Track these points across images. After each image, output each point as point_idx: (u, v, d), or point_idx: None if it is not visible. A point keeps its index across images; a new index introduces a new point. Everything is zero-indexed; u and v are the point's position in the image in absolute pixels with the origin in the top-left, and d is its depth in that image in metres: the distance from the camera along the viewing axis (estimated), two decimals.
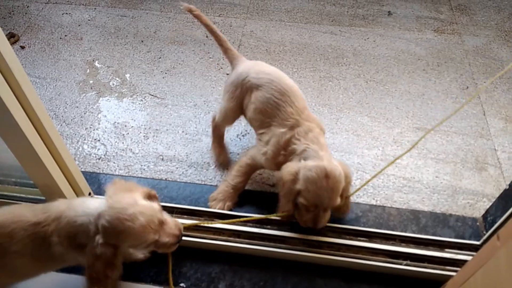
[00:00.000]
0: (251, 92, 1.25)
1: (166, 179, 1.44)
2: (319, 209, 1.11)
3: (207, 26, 1.39)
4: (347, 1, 2.20)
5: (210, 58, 1.90)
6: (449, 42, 1.97)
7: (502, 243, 0.66)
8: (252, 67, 1.29)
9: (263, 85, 1.22)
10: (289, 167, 1.12)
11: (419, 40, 1.98)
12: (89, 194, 1.25)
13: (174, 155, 1.51)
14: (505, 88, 1.75)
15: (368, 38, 1.99)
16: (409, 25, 2.06)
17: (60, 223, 0.90)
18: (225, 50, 1.39)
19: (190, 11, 1.39)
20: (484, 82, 1.77)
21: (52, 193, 1.12)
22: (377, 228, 1.27)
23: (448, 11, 2.14)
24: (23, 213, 0.93)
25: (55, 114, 1.66)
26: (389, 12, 2.14)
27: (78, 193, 1.19)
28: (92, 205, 0.91)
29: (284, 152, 1.17)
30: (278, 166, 1.18)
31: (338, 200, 1.10)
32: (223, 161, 1.48)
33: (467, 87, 1.75)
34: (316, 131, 1.16)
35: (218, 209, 1.28)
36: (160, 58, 1.90)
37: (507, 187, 1.17)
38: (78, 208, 0.92)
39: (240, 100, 1.30)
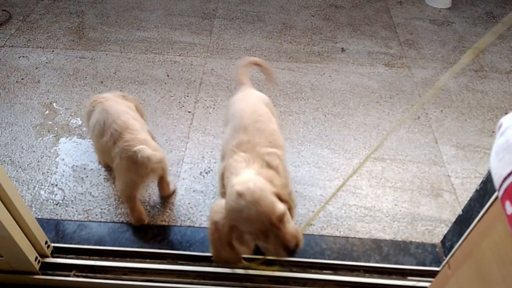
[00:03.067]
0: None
1: (127, 222, 1.40)
2: (270, 230, 0.93)
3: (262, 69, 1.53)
4: (303, 39, 2.30)
5: (172, 96, 1.91)
6: (400, 75, 2.08)
7: (453, 272, 0.68)
8: (234, 102, 1.32)
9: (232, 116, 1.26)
10: (214, 208, 1.02)
11: (372, 74, 2.08)
12: (46, 243, 1.20)
13: None
14: (454, 117, 1.86)
15: (324, 74, 2.07)
16: (361, 60, 2.17)
17: None
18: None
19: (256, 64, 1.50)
20: (441, 111, 1.87)
21: (4, 243, 1.07)
22: (341, 259, 1.28)
23: (397, 46, 2.28)
24: None
25: (10, 159, 1.60)
26: (342, 48, 2.25)
27: (33, 242, 1.14)
28: None
29: (223, 190, 1.09)
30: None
31: (279, 207, 0.94)
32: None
33: (419, 117, 1.85)
34: (240, 161, 1.07)
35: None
36: None
37: (461, 212, 1.22)
38: None
39: None
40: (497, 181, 0.50)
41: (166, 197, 1.48)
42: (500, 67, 2.15)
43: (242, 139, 1.13)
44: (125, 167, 1.23)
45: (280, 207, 0.95)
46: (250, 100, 1.30)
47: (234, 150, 1.12)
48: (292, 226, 0.97)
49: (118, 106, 1.34)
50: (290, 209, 1.01)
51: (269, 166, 1.08)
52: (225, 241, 0.99)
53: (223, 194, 1.10)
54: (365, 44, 2.28)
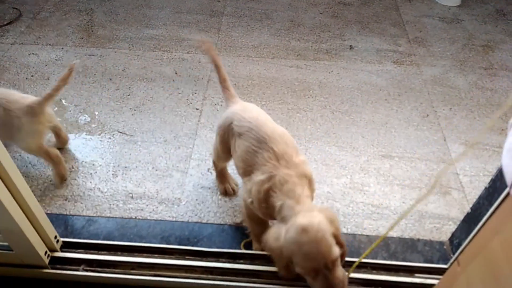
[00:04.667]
0: (235, 139, 1.23)
1: (135, 218, 1.41)
2: (322, 270, 0.98)
3: (213, 61, 1.41)
4: (311, 37, 2.29)
5: (180, 93, 1.92)
6: (408, 72, 2.07)
7: (462, 269, 0.68)
8: (238, 112, 1.26)
9: (244, 133, 1.20)
10: (272, 232, 1.06)
11: (380, 71, 2.07)
12: (55, 237, 1.21)
13: (144, 192, 1.50)
14: (463, 115, 1.85)
15: (332, 71, 2.07)
16: (370, 58, 2.16)
17: None
18: (223, 89, 1.40)
19: (203, 43, 1.43)
20: (450, 109, 1.86)
21: (15, 238, 1.08)
22: (349, 256, 1.28)
23: (406, 43, 2.26)
24: None
25: (20, 155, 1.62)
26: (350, 46, 2.24)
27: (43, 237, 1.16)
28: None
29: (265, 205, 1.10)
30: (266, 216, 1.15)
31: (335, 250, 0.99)
32: (224, 190, 1.49)
33: (427, 115, 1.84)
34: (292, 181, 1.07)
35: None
36: (129, 95, 1.90)
37: (470, 210, 1.21)
38: None
39: (227, 143, 1.28)
40: (509, 178, 0.50)
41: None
42: (510, 64, 2.12)
43: (276, 151, 1.12)
44: None
45: (336, 251, 0.99)
46: (254, 110, 1.27)
47: (273, 164, 1.11)
48: (341, 270, 1.02)
49: None
50: (343, 254, 1.05)
51: (308, 177, 1.11)
52: (284, 265, 1.05)
53: (264, 211, 1.11)
54: (373, 42, 2.26)
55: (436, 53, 2.20)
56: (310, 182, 1.12)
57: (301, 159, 1.14)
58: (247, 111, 1.25)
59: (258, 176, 1.11)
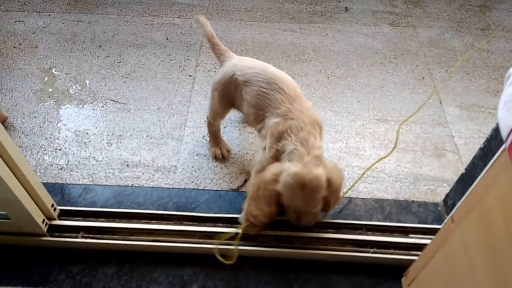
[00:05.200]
0: (241, 89, 1.24)
1: (132, 185, 1.41)
2: (301, 214, 1.13)
3: (198, 22, 1.40)
4: None
5: (172, 60, 1.88)
6: (404, 34, 2.03)
7: (456, 226, 0.69)
8: (238, 64, 1.27)
9: (250, 79, 1.21)
10: (273, 168, 1.10)
11: (376, 34, 2.04)
12: (52, 206, 1.22)
13: (140, 160, 1.49)
14: (459, 77, 1.83)
15: (327, 34, 2.03)
16: (365, 20, 2.11)
17: None
18: (212, 47, 1.37)
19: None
20: (446, 71, 1.84)
21: (12, 206, 1.08)
22: (344, 219, 1.30)
23: (402, 4, 2.21)
24: None
25: (12, 125, 1.60)
26: (346, 8, 2.18)
27: (40, 205, 1.16)
28: None
29: (276, 146, 1.13)
30: (273, 160, 1.15)
31: (317, 208, 1.10)
32: (218, 155, 1.49)
33: (423, 78, 1.82)
34: (307, 130, 1.11)
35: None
36: (119, 62, 1.86)
37: (464, 171, 1.23)
38: None
39: (230, 97, 1.29)
40: (504, 131, 0.50)
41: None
42: (507, 25, 2.09)
43: (287, 93, 1.15)
44: None
45: (318, 208, 1.11)
46: (253, 59, 1.29)
47: (287, 107, 1.13)
48: (313, 218, 1.15)
49: None
50: (327, 205, 1.14)
51: (319, 125, 1.16)
52: (269, 199, 1.11)
53: (274, 152, 1.14)
54: (369, 3, 2.21)
55: (433, 14, 2.16)
56: (320, 130, 1.16)
57: (310, 104, 1.18)
58: (247, 61, 1.28)
59: (273, 119, 1.14)
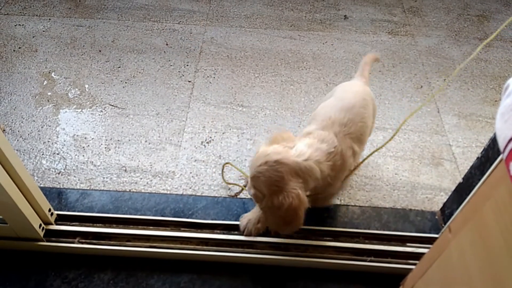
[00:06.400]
0: None
1: (130, 191, 1.41)
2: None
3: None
4: (304, 6, 2.25)
5: (171, 65, 1.88)
6: (403, 43, 2.04)
7: (453, 235, 0.69)
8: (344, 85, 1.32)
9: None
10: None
11: (375, 42, 2.05)
12: (49, 210, 1.21)
13: (138, 166, 1.49)
14: (457, 86, 1.84)
15: (326, 42, 2.04)
16: (364, 28, 2.12)
17: None
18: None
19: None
20: (444, 80, 1.85)
21: (8, 211, 1.08)
22: (342, 227, 1.30)
23: (401, 13, 2.23)
24: None
25: (11, 129, 1.60)
26: (345, 16, 2.20)
27: (37, 210, 1.16)
28: None
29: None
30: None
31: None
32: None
33: (421, 86, 1.83)
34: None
35: None
36: (119, 67, 1.87)
37: (462, 180, 1.23)
38: None
39: None
40: (502, 142, 0.50)
41: None
42: (505, 35, 2.11)
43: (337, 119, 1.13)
44: None
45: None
46: (361, 91, 1.24)
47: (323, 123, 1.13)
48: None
49: None
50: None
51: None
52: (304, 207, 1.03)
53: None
54: (368, 12, 2.23)
55: (431, 23, 2.17)
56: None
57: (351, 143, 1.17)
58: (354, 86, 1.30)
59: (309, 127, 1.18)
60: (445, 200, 1.35)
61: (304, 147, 1.06)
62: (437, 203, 1.41)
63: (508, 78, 1.90)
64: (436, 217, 1.35)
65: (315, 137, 1.09)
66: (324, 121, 1.13)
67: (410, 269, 1.12)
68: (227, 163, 1.46)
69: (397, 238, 1.24)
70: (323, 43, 2.03)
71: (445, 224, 1.30)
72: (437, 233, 1.27)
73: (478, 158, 1.12)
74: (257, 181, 1.03)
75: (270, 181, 1.00)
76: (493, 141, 1.05)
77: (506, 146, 0.49)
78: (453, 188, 1.30)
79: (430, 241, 1.24)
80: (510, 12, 2.25)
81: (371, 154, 1.44)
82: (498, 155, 0.65)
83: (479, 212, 0.60)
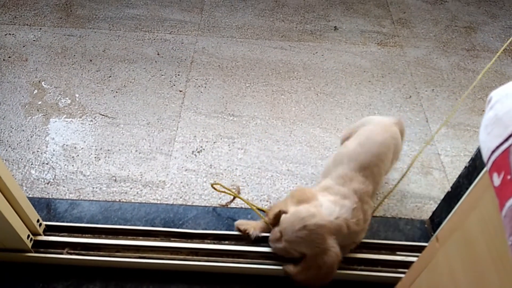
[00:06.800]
0: None
1: (119, 201, 1.40)
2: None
3: None
4: (295, 17, 2.27)
5: (162, 75, 1.89)
6: (392, 54, 2.07)
7: (441, 245, 0.70)
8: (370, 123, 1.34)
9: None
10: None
11: (364, 53, 2.07)
12: (37, 221, 1.20)
13: (128, 175, 1.49)
14: (445, 96, 1.87)
15: (316, 53, 2.06)
16: (354, 39, 2.15)
17: None
18: None
19: None
20: (433, 90, 1.88)
21: None
22: None
23: (390, 24, 2.27)
24: None
25: (0, 139, 1.59)
26: (335, 27, 2.23)
27: (25, 220, 1.14)
28: None
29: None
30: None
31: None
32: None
33: (410, 96, 1.85)
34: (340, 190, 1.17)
35: None
36: (110, 77, 1.87)
37: (450, 189, 1.24)
38: None
39: None
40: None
41: None
42: (492, 46, 2.15)
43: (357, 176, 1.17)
44: None
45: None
46: (385, 138, 1.24)
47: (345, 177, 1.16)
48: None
49: None
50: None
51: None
52: None
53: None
54: (357, 23, 2.26)
55: (420, 34, 2.21)
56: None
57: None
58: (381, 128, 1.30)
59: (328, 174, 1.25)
60: (434, 208, 1.36)
61: (330, 204, 1.10)
62: (426, 211, 1.42)
63: (494, 88, 1.94)
64: (426, 225, 1.36)
65: (335, 193, 1.14)
66: (342, 178, 1.16)
67: (400, 278, 1.12)
68: (215, 183, 1.40)
69: (387, 247, 1.25)
70: (314, 54, 2.06)
71: (434, 232, 1.31)
72: (427, 242, 1.28)
73: (466, 167, 1.14)
74: (298, 245, 1.09)
75: (312, 244, 1.07)
76: (480, 151, 1.07)
77: (489, 157, 0.50)
78: (442, 196, 1.31)
79: (420, 249, 1.25)
80: (496, 24, 2.30)
81: (384, 198, 1.45)
82: (485, 165, 0.66)
83: (465, 222, 0.60)
